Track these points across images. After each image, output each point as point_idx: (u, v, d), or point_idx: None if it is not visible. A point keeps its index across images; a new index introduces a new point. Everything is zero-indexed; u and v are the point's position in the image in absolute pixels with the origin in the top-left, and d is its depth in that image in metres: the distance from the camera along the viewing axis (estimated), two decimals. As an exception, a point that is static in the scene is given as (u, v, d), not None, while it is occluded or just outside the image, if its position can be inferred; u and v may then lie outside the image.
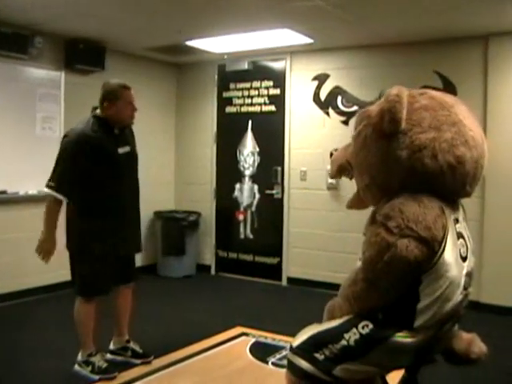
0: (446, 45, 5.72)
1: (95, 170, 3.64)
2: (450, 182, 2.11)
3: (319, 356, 2.20)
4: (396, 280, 2.05)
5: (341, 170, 2.52)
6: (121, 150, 3.77)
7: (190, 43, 6.29)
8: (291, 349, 2.31)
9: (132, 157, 3.88)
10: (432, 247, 2.02)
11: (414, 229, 1.99)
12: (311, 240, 6.58)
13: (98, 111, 3.77)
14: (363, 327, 2.18)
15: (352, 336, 2.18)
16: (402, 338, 2.12)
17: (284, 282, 6.85)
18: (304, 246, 6.66)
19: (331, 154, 2.48)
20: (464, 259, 2.15)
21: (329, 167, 6.12)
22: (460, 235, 2.17)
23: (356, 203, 2.56)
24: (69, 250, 3.81)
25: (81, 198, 3.67)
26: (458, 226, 2.18)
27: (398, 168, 2.11)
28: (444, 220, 2.06)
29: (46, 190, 3.65)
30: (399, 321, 2.13)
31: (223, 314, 5.42)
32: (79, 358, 3.81)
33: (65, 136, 3.76)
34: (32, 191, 5.78)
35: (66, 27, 5.72)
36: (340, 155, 2.52)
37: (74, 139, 3.64)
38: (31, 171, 5.73)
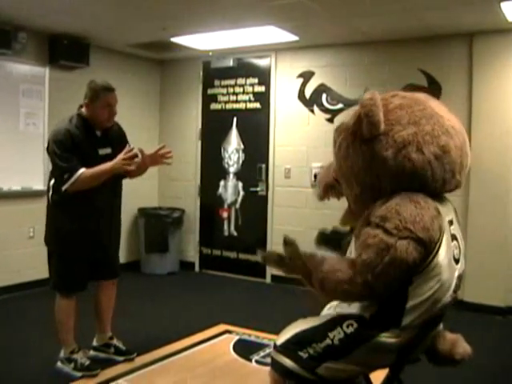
0: (430, 43, 5.76)
1: None
2: (440, 172, 2.10)
3: (303, 354, 2.21)
4: (393, 281, 2.04)
5: (327, 188, 2.54)
6: (101, 151, 3.72)
7: (174, 40, 6.26)
8: (275, 347, 2.32)
9: (115, 155, 3.82)
10: (429, 248, 2.01)
11: (412, 230, 1.98)
12: (295, 237, 6.56)
13: (83, 109, 3.75)
14: (348, 326, 2.19)
15: (336, 335, 2.19)
16: (386, 337, 2.13)
17: (268, 280, 6.85)
18: (288, 244, 6.65)
19: (315, 176, 2.48)
20: (457, 261, 2.16)
21: (315, 164, 6.17)
22: (454, 237, 2.17)
23: (349, 218, 2.53)
24: (47, 245, 3.79)
25: (62, 195, 3.63)
26: (452, 227, 2.18)
27: (386, 169, 2.10)
28: (440, 221, 2.05)
29: (66, 185, 3.55)
30: (385, 320, 2.14)
31: (207, 311, 5.42)
32: (61, 355, 3.78)
33: (50, 136, 3.72)
34: (16, 187, 5.75)
35: (50, 23, 5.68)
36: (324, 175, 2.54)
37: (59, 139, 3.61)
38: (15, 167, 5.70)
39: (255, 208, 6.96)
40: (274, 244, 6.78)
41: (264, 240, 6.85)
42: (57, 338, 3.84)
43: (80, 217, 3.68)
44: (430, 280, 2.06)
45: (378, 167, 2.12)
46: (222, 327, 4.85)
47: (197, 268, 7.43)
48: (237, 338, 4.61)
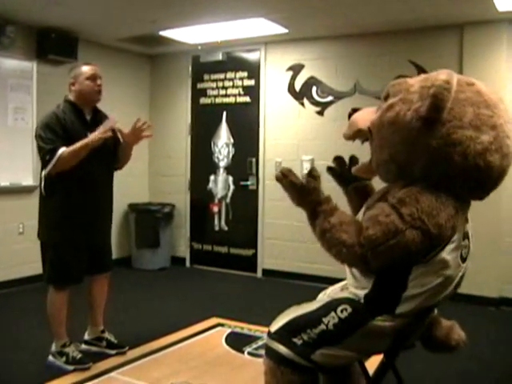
0: (420, 34, 5.76)
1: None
2: (472, 184, 2.05)
3: (297, 341, 2.20)
4: (389, 264, 2.03)
5: (359, 135, 2.33)
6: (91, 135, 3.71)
7: (164, 33, 6.23)
8: (269, 334, 2.30)
9: (105, 143, 3.76)
10: (436, 244, 2.00)
11: (426, 222, 1.94)
12: (286, 231, 6.58)
13: (70, 95, 3.74)
14: (342, 311, 2.18)
15: (331, 320, 2.17)
16: (381, 321, 2.12)
17: (259, 274, 6.84)
18: (279, 238, 6.66)
19: (350, 115, 2.35)
20: (464, 260, 2.15)
21: (305, 157, 6.15)
22: (466, 235, 2.16)
23: (364, 171, 2.44)
24: (40, 238, 3.76)
25: (54, 185, 3.60)
26: (467, 225, 2.17)
27: (425, 156, 2.03)
28: (456, 221, 2.02)
29: (48, 169, 3.53)
30: (380, 306, 2.13)
31: (198, 305, 5.39)
32: (53, 348, 3.75)
33: (38, 122, 3.74)
34: (4, 183, 5.69)
35: (38, 16, 5.62)
36: (362, 119, 2.30)
37: (46, 122, 3.61)
38: (3, 162, 5.65)
39: (246, 202, 6.94)
40: (266, 238, 6.77)
41: (255, 234, 6.83)
42: (48, 333, 3.81)
43: (72, 207, 3.65)
44: (432, 274, 2.06)
45: (418, 150, 2.04)
46: (213, 320, 4.83)
47: (188, 263, 7.40)
48: (229, 330, 4.59)
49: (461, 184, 2.05)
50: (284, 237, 6.61)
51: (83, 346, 3.97)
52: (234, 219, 7.06)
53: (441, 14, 5.33)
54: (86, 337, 4.03)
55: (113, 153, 3.92)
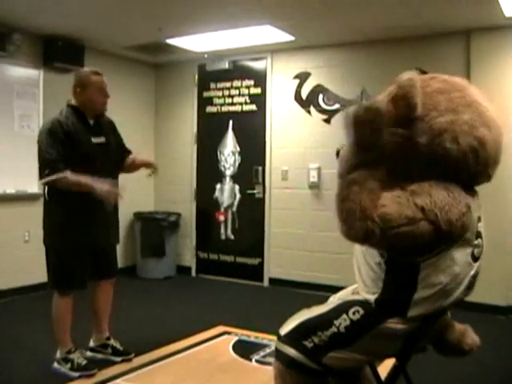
0: (427, 41, 5.74)
1: (70, 158, 3.54)
2: (473, 165, 2.01)
3: (308, 344, 2.16)
4: (392, 249, 1.99)
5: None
6: (95, 140, 3.69)
7: (170, 41, 6.23)
8: (279, 337, 2.26)
9: (108, 148, 3.79)
10: (443, 241, 1.95)
11: (438, 216, 1.88)
12: (293, 240, 6.53)
13: (72, 101, 3.71)
14: (354, 313, 2.14)
15: (342, 322, 2.14)
16: (393, 324, 2.08)
17: (265, 283, 6.78)
18: (286, 246, 6.61)
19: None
20: (476, 259, 2.10)
21: (312, 165, 6.13)
22: (479, 235, 2.11)
23: None
24: (44, 243, 3.72)
25: (55, 189, 3.57)
26: (479, 224, 2.13)
27: (418, 155, 2.01)
28: (467, 219, 1.96)
29: (45, 180, 3.52)
30: (392, 309, 2.09)
31: (204, 314, 5.32)
32: (58, 355, 3.70)
33: (41, 127, 3.71)
34: (10, 190, 5.67)
35: (45, 24, 5.64)
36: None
37: (48, 125, 3.59)
38: (9, 169, 5.63)
39: (252, 211, 6.89)
40: (272, 247, 6.72)
41: (261, 243, 6.79)
42: (53, 340, 3.76)
43: (77, 211, 3.62)
44: (440, 272, 2.01)
45: (412, 154, 2.02)
46: (220, 328, 4.77)
47: (193, 272, 7.35)
48: (236, 338, 4.53)
49: (462, 169, 2.01)
50: (290, 245, 6.56)
51: (88, 353, 3.92)
52: (241, 228, 7.01)
53: (447, 20, 5.31)
54: (91, 344, 3.98)
55: (117, 157, 3.91)
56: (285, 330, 2.26)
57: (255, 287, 6.73)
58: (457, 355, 2.37)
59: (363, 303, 2.16)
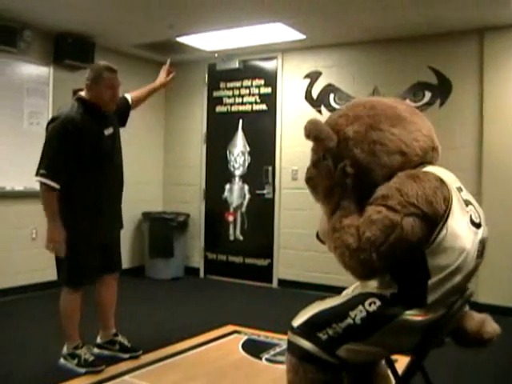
0: (440, 40, 5.67)
1: (81, 153, 3.51)
2: (408, 137, 2.13)
3: (322, 336, 2.09)
4: (397, 261, 1.99)
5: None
6: (106, 132, 3.65)
7: (180, 39, 6.20)
8: (292, 329, 2.20)
9: (115, 138, 3.76)
10: (435, 222, 1.94)
11: (416, 204, 1.93)
12: (303, 241, 6.46)
13: (83, 93, 3.66)
14: (370, 304, 2.08)
15: (358, 314, 2.07)
16: (411, 315, 2.02)
17: (275, 284, 6.72)
18: (295, 247, 6.54)
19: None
20: (477, 226, 2.06)
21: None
22: (468, 202, 2.10)
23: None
24: None
25: (64, 183, 3.51)
26: (463, 193, 2.11)
27: (363, 164, 2.12)
28: (445, 191, 1.98)
29: (38, 178, 3.46)
30: (409, 298, 2.03)
31: (213, 315, 5.24)
32: (65, 350, 3.64)
33: (50, 122, 3.62)
34: (18, 187, 5.65)
35: (56, 21, 5.64)
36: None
37: (60, 123, 3.50)
38: (18, 167, 5.59)
39: (262, 211, 6.83)
40: (282, 248, 6.66)
41: (271, 244, 6.72)
42: (60, 337, 3.70)
43: (87, 204, 3.58)
44: (446, 251, 1.97)
45: (356, 169, 2.11)
46: (229, 328, 4.71)
47: (202, 274, 7.29)
48: (245, 337, 4.46)
49: (404, 146, 2.12)
50: (300, 246, 6.49)
51: (95, 350, 3.85)
52: (250, 229, 6.95)
53: (460, 19, 5.25)
54: (98, 340, 3.92)
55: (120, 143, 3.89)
56: (298, 321, 2.19)
57: (264, 288, 6.66)
58: (477, 345, 2.29)
59: (380, 295, 2.09)
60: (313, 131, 2.18)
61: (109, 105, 3.65)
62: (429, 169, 2.11)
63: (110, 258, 3.83)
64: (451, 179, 2.10)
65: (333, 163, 2.19)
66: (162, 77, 4.31)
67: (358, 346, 2.06)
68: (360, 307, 2.08)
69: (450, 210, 1.97)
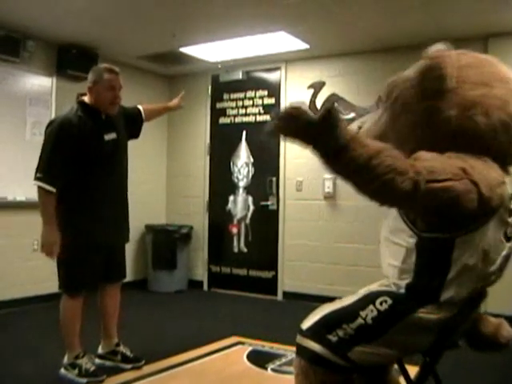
0: (444, 47, 5.62)
1: (80, 157, 3.46)
2: (505, 142, 1.90)
3: (332, 337, 2.02)
4: (433, 212, 1.80)
5: None
6: (107, 137, 3.58)
7: (184, 50, 6.18)
8: (301, 332, 2.12)
9: (120, 144, 3.69)
10: (480, 211, 1.77)
11: (478, 182, 1.72)
12: (308, 252, 6.38)
13: (86, 97, 3.62)
14: (381, 303, 2.00)
15: (369, 313, 1.99)
16: (424, 313, 1.94)
17: (279, 297, 6.62)
18: (300, 259, 6.46)
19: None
20: (508, 239, 1.96)
21: (327, 175, 6.00)
22: (511, 214, 1.97)
23: None
24: None
25: (65, 187, 3.46)
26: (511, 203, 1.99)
27: (448, 129, 1.90)
28: (503, 190, 1.85)
29: (35, 182, 3.43)
30: (424, 294, 1.94)
31: (217, 327, 5.13)
32: (65, 360, 3.55)
33: (48, 125, 3.58)
34: (20, 197, 5.58)
35: (58, 31, 5.63)
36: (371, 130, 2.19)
37: (57, 126, 3.47)
38: (20, 176, 5.52)
39: (266, 223, 6.76)
40: (286, 259, 6.57)
41: (275, 256, 6.64)
42: (61, 347, 3.61)
43: (87, 208, 3.52)
44: (473, 251, 1.87)
45: (439, 126, 1.92)
46: (234, 339, 4.61)
47: (205, 287, 7.20)
48: (250, 348, 4.36)
49: (492, 145, 1.90)
50: (305, 258, 6.40)
51: (97, 361, 3.76)
52: (254, 240, 6.87)
53: (465, 26, 5.20)
54: (100, 351, 3.82)
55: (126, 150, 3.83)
56: (307, 323, 2.12)
57: (269, 301, 6.56)
58: (492, 349, 2.21)
59: (391, 293, 2.02)
60: (437, 61, 1.93)
61: (110, 107, 3.60)
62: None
63: (114, 267, 3.76)
64: (509, 183, 1.96)
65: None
66: (176, 101, 4.30)
67: (369, 347, 1.98)
68: (371, 306, 2.00)
69: (497, 211, 1.86)
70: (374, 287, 2.14)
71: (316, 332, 2.06)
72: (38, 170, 3.45)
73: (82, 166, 3.49)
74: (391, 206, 1.94)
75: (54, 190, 3.40)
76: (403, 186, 1.65)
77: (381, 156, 1.67)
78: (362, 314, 2.00)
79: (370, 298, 2.03)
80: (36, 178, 3.43)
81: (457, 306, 1.96)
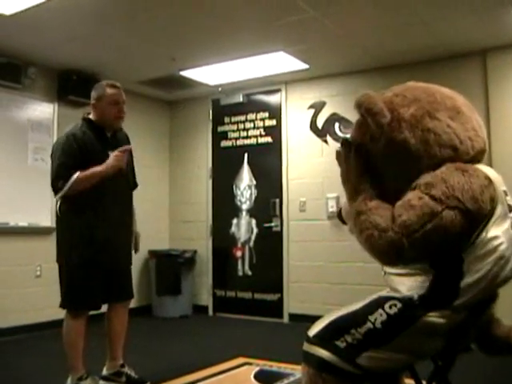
0: (443, 63, 5.67)
1: (83, 169, 3.43)
2: (463, 132, 1.96)
3: (340, 343, 1.97)
4: (426, 253, 1.83)
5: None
6: (111, 154, 3.57)
7: (184, 73, 6.21)
8: (307, 339, 2.07)
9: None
10: (477, 221, 1.80)
11: (461, 199, 1.77)
12: (313, 273, 6.32)
13: (91, 114, 3.63)
14: (391, 307, 1.95)
15: (378, 318, 1.94)
16: (435, 317, 1.89)
17: (285, 319, 6.54)
18: (305, 280, 6.40)
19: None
20: None
21: (330, 194, 5.98)
22: (511, 208, 1.95)
23: None
24: (57, 261, 3.56)
25: (70, 204, 3.44)
26: (508, 198, 1.97)
27: (411, 151, 1.95)
28: (492, 190, 1.84)
29: (61, 194, 3.40)
30: (435, 300, 1.90)
31: (223, 350, 5.03)
32: (68, 382, 3.47)
33: (55, 142, 3.61)
34: (23, 223, 5.56)
35: (59, 58, 5.69)
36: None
37: (62, 138, 3.51)
38: (22, 202, 5.54)
39: (270, 245, 6.71)
40: (291, 281, 6.51)
41: (280, 278, 6.58)
42: (65, 371, 3.54)
43: (90, 226, 3.47)
44: (486, 254, 1.83)
45: (402, 153, 1.95)
46: (241, 359, 4.53)
47: (210, 311, 7.12)
48: (257, 368, 4.29)
49: (458, 141, 1.95)
50: (310, 279, 6.34)
51: (101, 382, 3.68)
52: (258, 263, 6.82)
53: (463, 40, 5.25)
54: (104, 372, 3.74)
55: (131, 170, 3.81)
56: (314, 330, 2.08)
57: (275, 324, 6.47)
58: (505, 353, 2.15)
59: (401, 297, 1.97)
60: (365, 103, 1.96)
61: (115, 121, 3.62)
62: (479, 166, 1.96)
63: (120, 286, 3.71)
64: (499, 181, 1.96)
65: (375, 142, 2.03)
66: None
67: (379, 352, 1.93)
68: (380, 310, 1.95)
69: (494, 212, 1.85)
70: (383, 293, 2.10)
71: (323, 338, 2.02)
72: (56, 182, 3.42)
73: None
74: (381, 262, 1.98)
75: (77, 173, 3.38)
76: (383, 243, 1.83)
77: (368, 213, 1.88)
78: (371, 318, 1.95)
79: (378, 302, 1.99)
80: (58, 189, 3.41)
81: (468, 308, 1.92)
